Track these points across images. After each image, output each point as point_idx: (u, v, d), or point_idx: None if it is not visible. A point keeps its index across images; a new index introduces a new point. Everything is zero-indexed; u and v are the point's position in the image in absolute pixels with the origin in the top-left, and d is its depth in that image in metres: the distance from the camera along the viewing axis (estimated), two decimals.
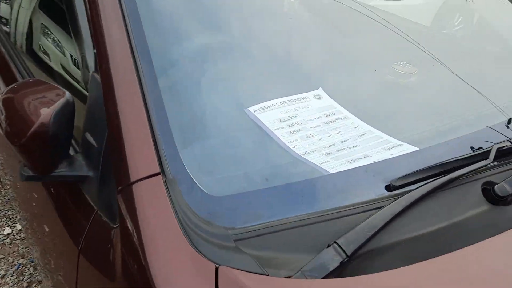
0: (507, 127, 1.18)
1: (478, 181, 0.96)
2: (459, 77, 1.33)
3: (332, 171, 0.90)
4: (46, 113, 0.83)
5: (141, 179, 0.78)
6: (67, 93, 0.88)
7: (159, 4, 1.07)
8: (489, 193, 0.95)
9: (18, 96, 0.87)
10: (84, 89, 1.07)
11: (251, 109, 1.10)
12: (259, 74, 1.23)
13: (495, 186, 0.95)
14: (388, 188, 0.89)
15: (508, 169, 1.00)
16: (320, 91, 1.23)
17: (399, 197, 0.87)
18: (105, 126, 0.89)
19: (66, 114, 0.87)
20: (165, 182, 0.78)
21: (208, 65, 1.08)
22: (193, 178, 0.80)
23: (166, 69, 0.96)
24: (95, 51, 0.97)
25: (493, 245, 0.79)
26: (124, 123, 0.84)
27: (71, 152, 0.96)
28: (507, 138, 1.03)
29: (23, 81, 0.99)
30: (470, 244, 0.80)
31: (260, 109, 1.11)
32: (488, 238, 0.81)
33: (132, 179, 0.78)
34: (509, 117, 1.16)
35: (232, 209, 0.79)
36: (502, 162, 1.00)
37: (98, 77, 0.95)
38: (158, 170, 0.79)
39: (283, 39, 1.35)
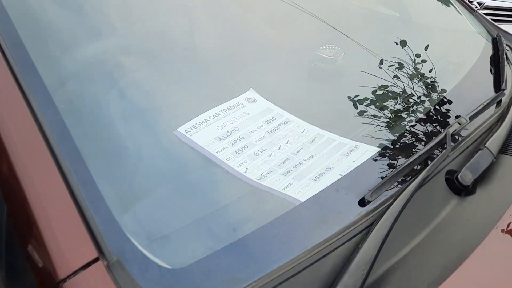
0: (380, 67, 1.15)
1: (441, 172, 0.91)
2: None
3: (301, 197, 0.77)
4: None
5: (74, 273, 0.57)
6: None
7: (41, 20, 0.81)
8: (453, 184, 0.91)
9: None
10: None
11: (181, 130, 0.92)
12: (174, 85, 1.03)
13: (458, 176, 0.90)
14: (362, 203, 0.79)
15: (462, 152, 0.96)
16: (252, 93, 1.08)
17: (377, 213, 0.78)
18: (1, 205, 0.64)
19: None
20: (108, 267, 0.58)
21: (118, 90, 0.86)
22: (144, 253, 0.61)
23: (70, 100, 0.73)
24: None
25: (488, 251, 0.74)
26: (31, 192, 0.61)
27: None
28: (455, 120, 0.99)
29: None
30: (464, 252, 0.74)
31: (192, 128, 0.93)
32: (477, 242, 0.75)
33: (62, 275, 0.57)
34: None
35: (206, 280, 0.62)
36: (457, 146, 0.96)
37: None
38: (95, 254, 0.58)
39: (194, 40, 1.16)
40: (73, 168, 0.63)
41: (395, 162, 0.89)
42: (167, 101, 0.98)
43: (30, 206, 0.60)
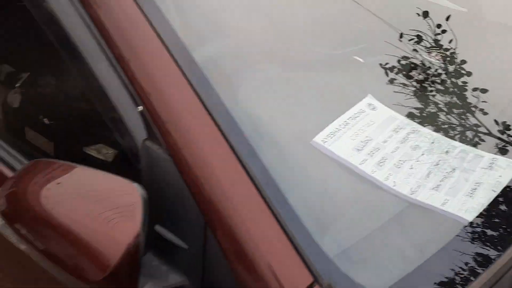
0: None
1: None
2: None
3: (466, 215, 0.78)
4: (133, 226, 0.57)
5: None
6: (137, 187, 0.61)
7: None
8: None
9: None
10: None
11: (317, 140, 0.91)
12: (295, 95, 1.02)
13: None
14: None
15: None
16: (370, 99, 1.07)
17: None
18: (199, 218, 0.64)
19: (147, 215, 0.61)
20: None
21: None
22: (349, 276, 0.61)
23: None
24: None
25: None
26: (241, 217, 0.61)
27: None
28: None
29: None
30: None
31: (327, 137, 0.93)
32: None
33: None
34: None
35: None
36: None
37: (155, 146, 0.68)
38: (311, 279, 0.59)
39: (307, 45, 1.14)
40: (268, 187, 0.63)
41: None
42: (294, 111, 0.97)
43: (236, 232, 0.61)
